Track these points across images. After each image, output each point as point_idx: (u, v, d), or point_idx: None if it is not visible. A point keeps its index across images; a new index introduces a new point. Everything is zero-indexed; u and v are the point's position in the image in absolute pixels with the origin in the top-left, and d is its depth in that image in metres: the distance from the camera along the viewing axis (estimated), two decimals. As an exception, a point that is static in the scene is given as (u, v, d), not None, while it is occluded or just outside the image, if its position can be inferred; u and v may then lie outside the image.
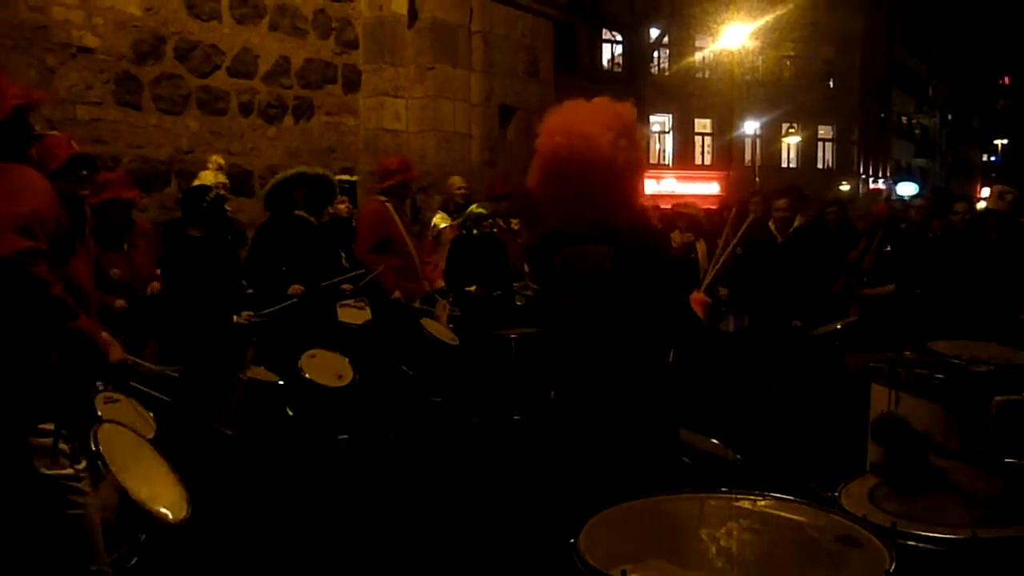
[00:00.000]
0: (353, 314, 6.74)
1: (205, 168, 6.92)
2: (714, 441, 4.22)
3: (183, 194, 6.39)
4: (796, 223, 7.70)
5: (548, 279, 3.12)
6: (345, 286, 6.47)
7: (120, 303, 5.43)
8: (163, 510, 3.17)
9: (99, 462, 3.00)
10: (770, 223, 7.82)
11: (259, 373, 5.58)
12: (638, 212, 2.86)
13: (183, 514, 3.24)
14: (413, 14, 9.46)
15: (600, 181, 2.69)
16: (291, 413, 5.56)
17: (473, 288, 7.13)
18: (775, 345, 7.03)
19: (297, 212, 6.37)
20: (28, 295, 2.42)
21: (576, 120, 2.73)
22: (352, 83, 9.52)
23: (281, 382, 5.56)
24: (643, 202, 2.91)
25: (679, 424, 3.01)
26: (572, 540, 2.10)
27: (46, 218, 2.54)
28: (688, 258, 7.82)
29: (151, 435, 4.10)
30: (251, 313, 5.74)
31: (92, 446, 3.05)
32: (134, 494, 3.04)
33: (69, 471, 2.60)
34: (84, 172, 4.09)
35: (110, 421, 3.49)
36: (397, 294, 6.64)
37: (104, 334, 2.86)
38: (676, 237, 7.91)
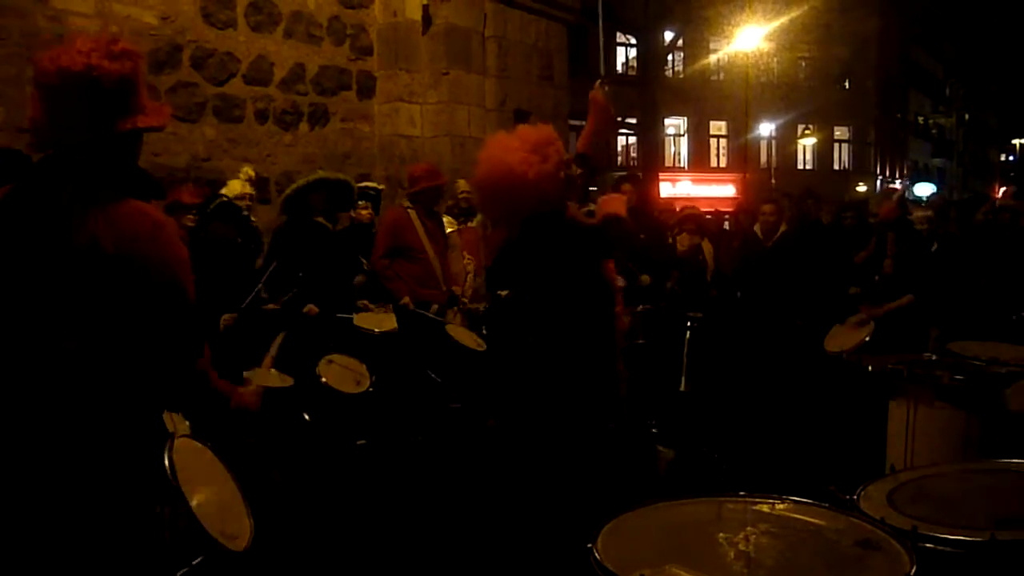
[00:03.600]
0: (373, 320, 6.75)
1: (235, 177, 6.93)
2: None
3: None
4: (782, 228, 7.75)
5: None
6: (271, 305, 6.19)
7: None
8: (229, 541, 3.03)
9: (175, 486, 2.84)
10: (756, 227, 7.93)
11: (271, 378, 5.57)
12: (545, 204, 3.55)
13: (245, 544, 3.11)
14: (427, 20, 9.47)
15: (517, 191, 3.45)
16: (308, 418, 5.58)
17: (505, 292, 7.08)
18: (775, 344, 7.05)
19: (315, 218, 6.41)
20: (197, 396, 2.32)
21: (491, 148, 3.60)
22: (367, 89, 9.55)
23: (291, 384, 5.55)
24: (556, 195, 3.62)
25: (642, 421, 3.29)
26: (589, 545, 2.11)
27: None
28: (696, 259, 7.85)
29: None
30: (231, 315, 5.74)
31: (166, 467, 2.89)
32: (208, 527, 2.87)
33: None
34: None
35: (184, 436, 3.42)
36: (406, 299, 6.60)
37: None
38: (684, 240, 7.92)
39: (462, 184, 8.07)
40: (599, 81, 3.91)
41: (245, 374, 5.53)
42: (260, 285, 5.91)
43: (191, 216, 5.88)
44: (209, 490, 3.07)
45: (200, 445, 3.29)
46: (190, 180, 7.15)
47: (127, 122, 2.11)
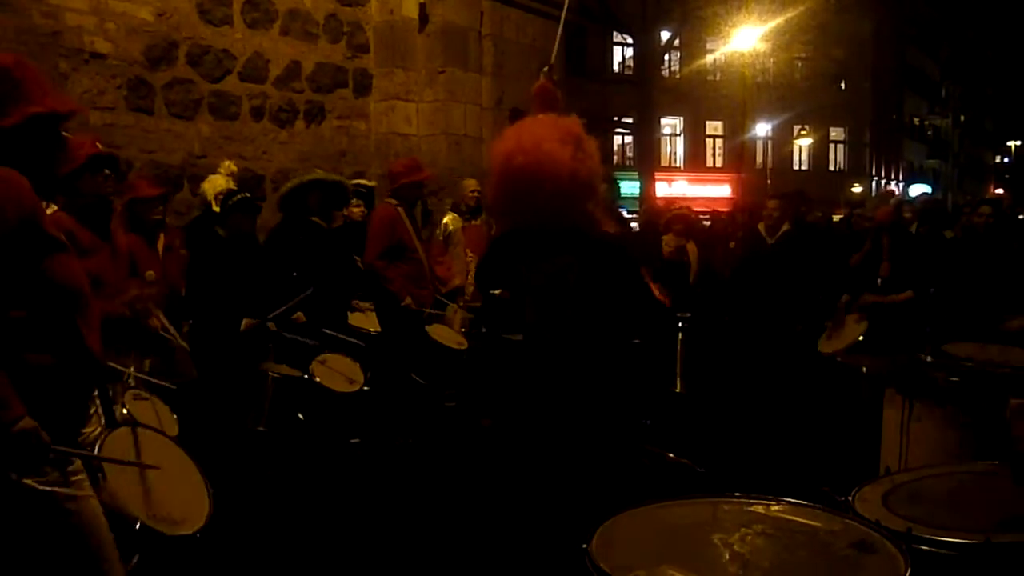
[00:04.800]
0: (366, 320, 6.74)
1: (216, 172, 6.90)
2: (671, 455, 4.21)
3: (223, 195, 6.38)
4: (784, 227, 7.74)
5: (506, 282, 3.26)
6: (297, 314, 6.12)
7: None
8: (173, 524, 3.07)
9: (99, 474, 2.83)
10: (760, 225, 7.91)
11: (283, 370, 5.66)
12: (600, 220, 3.10)
13: (199, 524, 3.16)
14: (424, 18, 9.46)
15: (565, 192, 2.91)
16: (301, 417, 5.59)
17: (498, 291, 7.04)
18: (771, 345, 7.05)
19: (312, 218, 6.40)
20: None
21: (533, 140, 2.97)
22: (363, 87, 9.53)
23: (306, 376, 5.61)
24: (598, 209, 3.13)
25: (639, 424, 3.10)
26: (585, 546, 2.10)
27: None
28: (681, 261, 7.78)
29: (174, 435, 4.09)
30: (251, 320, 5.72)
31: (96, 453, 2.91)
32: (133, 512, 2.92)
33: (54, 476, 2.47)
34: (106, 171, 4.10)
35: (131, 424, 3.45)
36: (408, 300, 6.44)
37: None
38: (670, 240, 7.85)
39: (472, 183, 7.99)
40: (547, 68, 3.45)
41: (262, 366, 5.59)
42: (291, 303, 5.88)
43: (158, 209, 5.53)
44: (164, 472, 3.13)
45: (156, 433, 3.39)
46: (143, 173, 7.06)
47: None
